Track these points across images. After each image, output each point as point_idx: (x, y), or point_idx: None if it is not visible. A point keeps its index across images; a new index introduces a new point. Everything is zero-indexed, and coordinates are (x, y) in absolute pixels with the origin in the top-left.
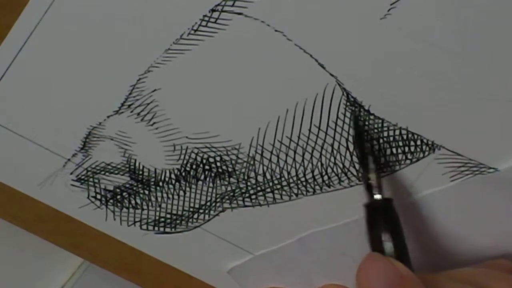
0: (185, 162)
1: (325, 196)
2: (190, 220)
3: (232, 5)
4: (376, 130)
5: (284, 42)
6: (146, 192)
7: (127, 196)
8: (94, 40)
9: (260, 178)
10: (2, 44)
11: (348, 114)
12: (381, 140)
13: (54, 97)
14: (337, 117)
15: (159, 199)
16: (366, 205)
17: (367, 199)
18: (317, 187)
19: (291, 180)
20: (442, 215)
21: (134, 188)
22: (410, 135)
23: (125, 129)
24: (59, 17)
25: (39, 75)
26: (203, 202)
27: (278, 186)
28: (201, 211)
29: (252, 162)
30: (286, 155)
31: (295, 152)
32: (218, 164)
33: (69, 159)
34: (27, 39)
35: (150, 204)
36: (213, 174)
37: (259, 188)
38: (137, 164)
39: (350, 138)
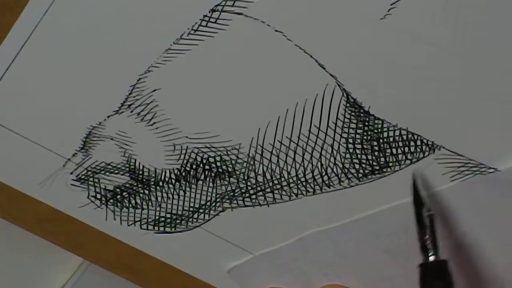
0: (185, 162)
1: (325, 196)
2: (190, 219)
3: (232, 5)
4: (376, 131)
5: (284, 42)
6: (146, 192)
7: (127, 195)
8: (94, 40)
9: (260, 178)
10: (2, 44)
11: (348, 115)
12: (381, 141)
13: (54, 97)
14: (337, 117)
15: (159, 198)
16: (421, 265)
17: (422, 259)
18: (317, 187)
19: (291, 180)
20: (442, 215)
21: (134, 188)
22: (410, 136)
23: (125, 129)
24: (59, 17)
25: (39, 75)
26: (203, 202)
27: (278, 186)
28: (201, 210)
29: (252, 162)
30: (286, 155)
31: (295, 152)
32: (218, 164)
33: (69, 159)
34: (27, 39)
35: (150, 203)
36: (213, 174)
37: (259, 188)
38: (137, 164)
39: (350, 139)
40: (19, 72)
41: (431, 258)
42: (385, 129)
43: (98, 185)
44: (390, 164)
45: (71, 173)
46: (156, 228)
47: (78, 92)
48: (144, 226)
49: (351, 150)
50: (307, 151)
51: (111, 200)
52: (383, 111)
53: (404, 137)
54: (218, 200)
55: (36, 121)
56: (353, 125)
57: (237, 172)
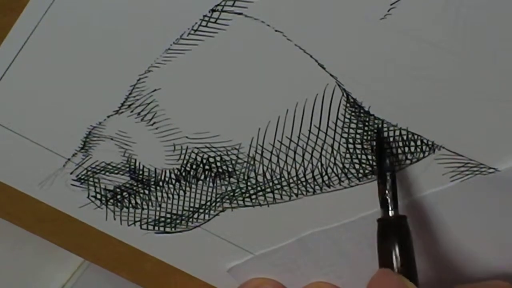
0: (185, 162)
1: (325, 196)
2: (190, 219)
3: (232, 5)
4: (376, 131)
5: (284, 42)
6: (146, 192)
7: (127, 195)
8: (94, 40)
9: (260, 178)
10: (2, 44)
11: (348, 115)
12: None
13: (54, 97)
14: (337, 117)
15: (159, 198)
16: (380, 220)
17: (381, 214)
18: (317, 187)
19: (291, 180)
20: (442, 215)
21: (134, 188)
22: (410, 136)
23: (125, 129)
24: (59, 17)
25: (39, 75)
26: (203, 202)
27: (278, 186)
28: (201, 210)
29: (252, 162)
30: (286, 155)
31: (295, 152)
32: (218, 164)
33: (69, 159)
34: (27, 39)
35: (150, 203)
36: (213, 174)
37: (259, 188)
38: (137, 164)
39: (350, 139)
40: (19, 72)
41: (390, 213)
42: (385, 129)
43: (98, 185)
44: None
45: (71, 173)
46: (156, 228)
47: (78, 92)
48: (144, 226)
49: (351, 150)
50: (307, 151)
51: (111, 200)
52: (383, 111)
53: (404, 137)
54: (218, 200)
55: (36, 121)
56: (353, 125)
57: (237, 172)
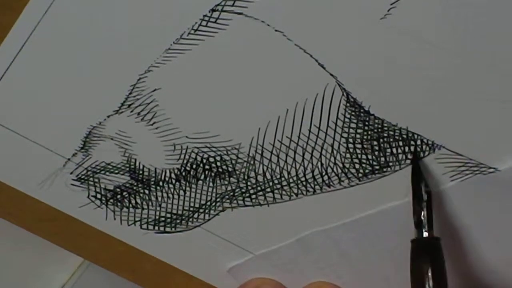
0: (185, 161)
1: (325, 196)
2: (190, 219)
3: (232, 5)
4: (376, 130)
5: (284, 42)
6: (146, 191)
7: (127, 195)
8: (94, 39)
9: (260, 178)
10: (2, 44)
11: (348, 115)
12: (381, 140)
13: (54, 97)
14: (337, 117)
15: (159, 198)
16: (414, 241)
17: (415, 234)
18: (317, 187)
19: (291, 180)
20: (442, 215)
21: (134, 188)
22: (410, 135)
23: (125, 128)
24: (59, 17)
25: (39, 75)
26: (203, 202)
27: (278, 186)
28: (201, 210)
29: (252, 162)
30: (286, 155)
31: (295, 152)
32: (218, 163)
33: (69, 159)
34: (27, 39)
35: (150, 203)
36: (213, 174)
37: (259, 188)
38: (137, 164)
39: (350, 139)
40: (19, 72)
41: (425, 234)
42: (385, 128)
43: (98, 185)
44: (390, 164)
45: (71, 173)
46: (156, 228)
47: (78, 92)
48: (144, 226)
49: (351, 150)
50: (307, 150)
51: (111, 200)
52: (383, 111)
53: (404, 137)
54: (218, 200)
55: (36, 121)
56: (353, 125)
57: (237, 172)
